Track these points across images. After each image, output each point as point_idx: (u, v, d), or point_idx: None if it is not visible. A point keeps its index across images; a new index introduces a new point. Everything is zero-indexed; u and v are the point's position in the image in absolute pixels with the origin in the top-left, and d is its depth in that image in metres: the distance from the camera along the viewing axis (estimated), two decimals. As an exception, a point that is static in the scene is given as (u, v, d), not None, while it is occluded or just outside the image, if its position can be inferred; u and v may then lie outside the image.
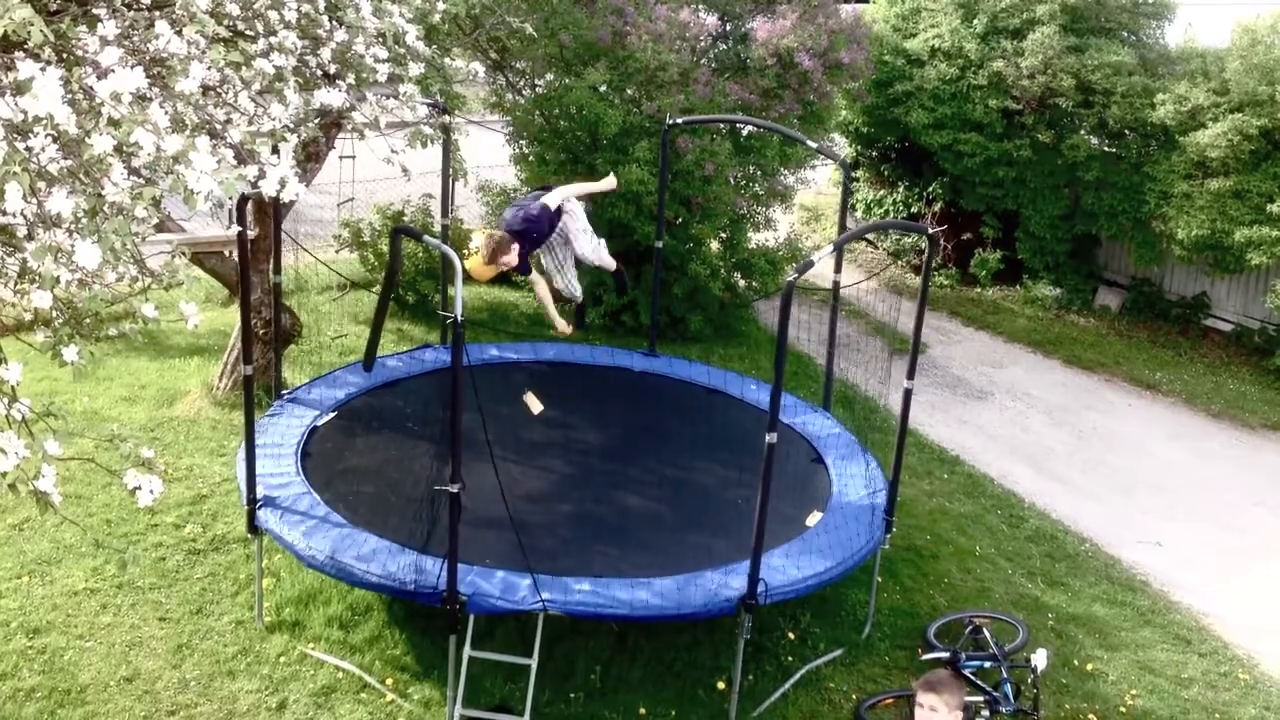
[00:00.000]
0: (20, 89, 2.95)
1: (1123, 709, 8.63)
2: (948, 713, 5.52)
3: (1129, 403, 14.84)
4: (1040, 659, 7.90)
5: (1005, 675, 8.14)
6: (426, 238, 8.37)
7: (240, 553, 9.37)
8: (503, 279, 16.30)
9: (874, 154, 19.93)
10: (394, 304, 12.13)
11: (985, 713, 7.93)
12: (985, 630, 8.69)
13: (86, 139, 3.03)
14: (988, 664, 8.28)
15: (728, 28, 15.21)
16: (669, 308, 14.51)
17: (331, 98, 4.82)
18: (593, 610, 7.48)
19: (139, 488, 3.76)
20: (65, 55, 3.37)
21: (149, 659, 8.09)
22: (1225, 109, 14.97)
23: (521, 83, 14.97)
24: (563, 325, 9.27)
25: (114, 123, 3.07)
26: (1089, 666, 9.10)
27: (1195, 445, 13.71)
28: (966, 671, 8.10)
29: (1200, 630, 9.88)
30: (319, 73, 4.96)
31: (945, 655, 8.25)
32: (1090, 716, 8.49)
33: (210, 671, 8.02)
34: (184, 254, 4.09)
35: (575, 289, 9.23)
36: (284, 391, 10.04)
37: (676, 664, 8.47)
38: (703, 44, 14.66)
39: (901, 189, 19.53)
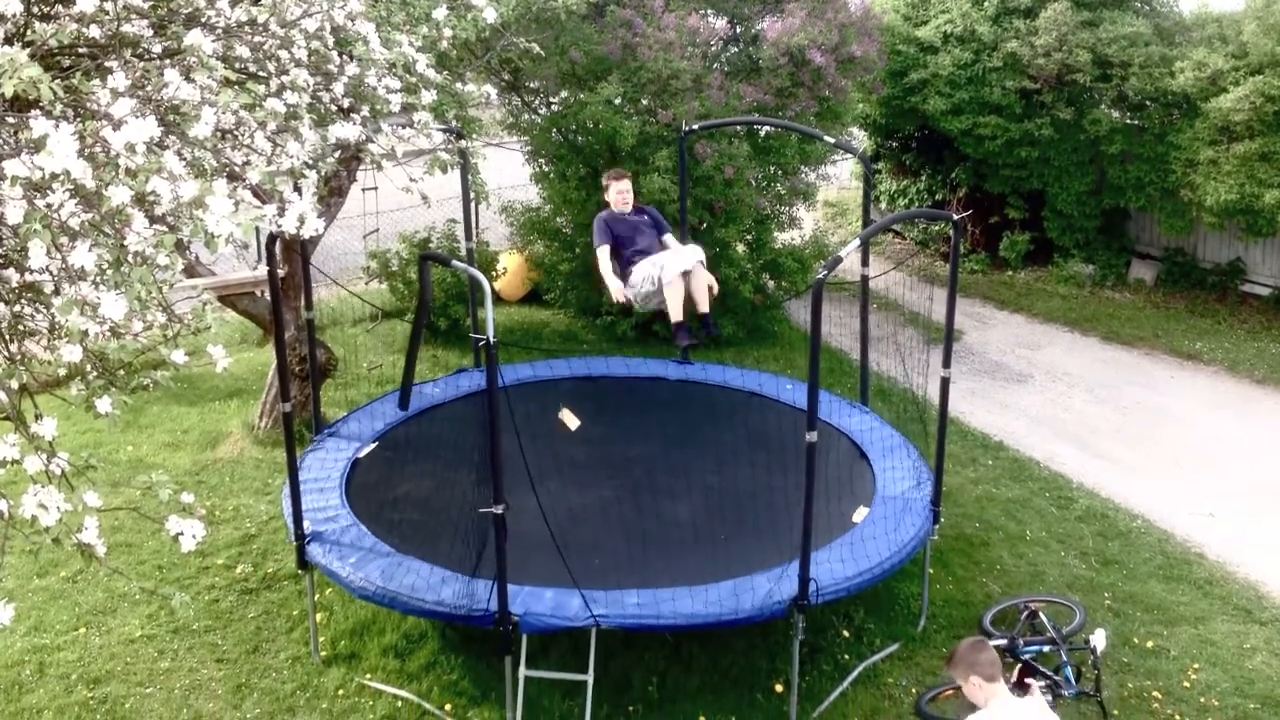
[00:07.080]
0: (36, 146, 2.98)
1: (1186, 684, 8.53)
2: (977, 687, 5.51)
3: (1171, 375, 14.68)
4: (1099, 639, 7.82)
5: (1065, 659, 8.06)
6: (454, 262, 8.38)
7: (292, 589, 9.42)
8: (533, 297, 16.41)
9: (894, 144, 19.84)
10: (426, 331, 12.15)
11: (1048, 697, 7.85)
12: (1041, 614, 8.62)
13: (104, 191, 3.06)
14: (1046, 648, 8.19)
15: (737, 30, 15.19)
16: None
17: (347, 131, 4.85)
18: (646, 622, 7.46)
19: (181, 533, 3.78)
20: (79, 110, 3.40)
21: (209, 701, 8.14)
22: (1245, 72, 14.82)
23: (536, 101, 15.00)
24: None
25: (130, 173, 3.09)
26: (1149, 644, 9.00)
27: (1241, 412, 13.55)
28: (1025, 657, 8.03)
29: (1259, 599, 9.74)
30: (333, 107, 4.99)
31: (1003, 642, 8.17)
32: (1154, 694, 8.39)
33: (270, 710, 8.06)
34: (211, 298, 4.12)
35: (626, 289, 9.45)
36: (324, 426, 10.10)
37: (733, 670, 8.45)
38: (713, 48, 14.65)
39: (924, 177, 19.43)
